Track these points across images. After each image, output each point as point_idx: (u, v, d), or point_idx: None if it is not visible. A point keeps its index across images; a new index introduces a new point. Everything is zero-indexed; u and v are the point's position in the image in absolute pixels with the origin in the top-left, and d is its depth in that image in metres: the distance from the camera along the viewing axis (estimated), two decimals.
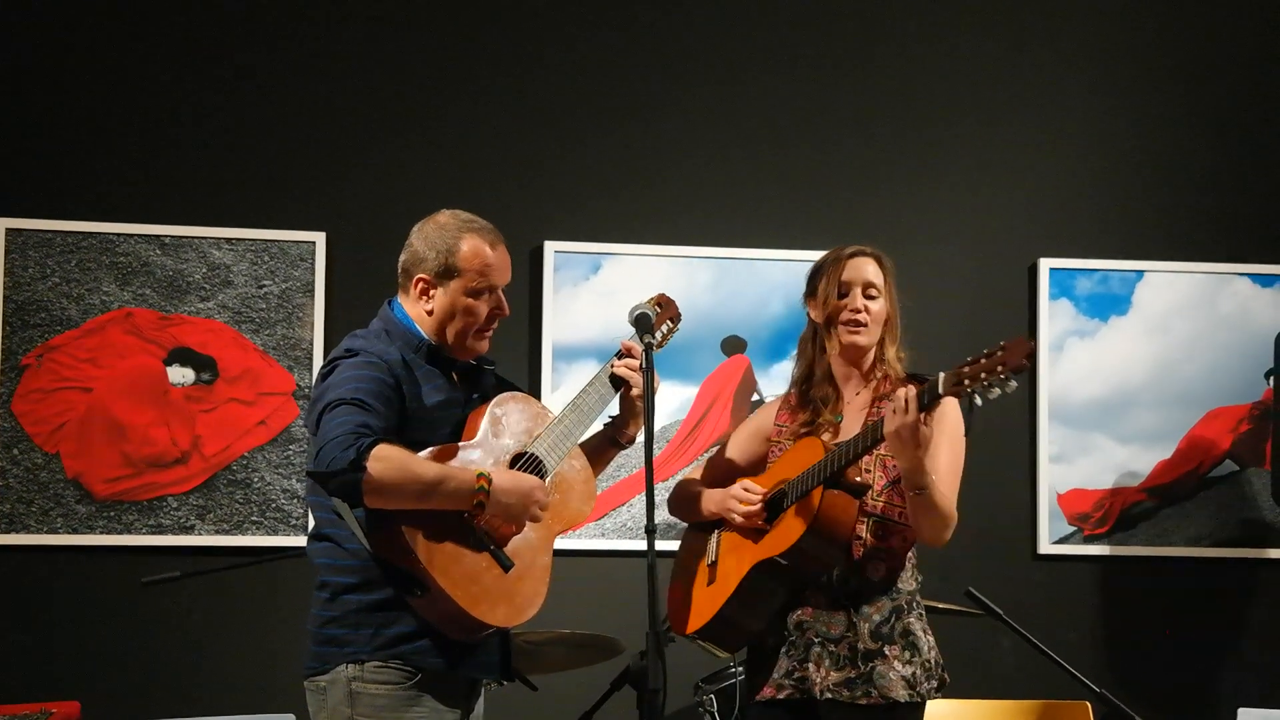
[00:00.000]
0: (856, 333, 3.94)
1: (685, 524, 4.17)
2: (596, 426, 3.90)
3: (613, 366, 3.85)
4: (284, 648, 5.23)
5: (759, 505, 3.87)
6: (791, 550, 3.76)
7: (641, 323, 3.83)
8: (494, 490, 3.47)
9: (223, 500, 5.46)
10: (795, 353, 4.09)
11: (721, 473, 4.12)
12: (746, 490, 3.90)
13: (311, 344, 5.49)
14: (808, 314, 4.05)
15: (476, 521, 3.49)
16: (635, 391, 3.84)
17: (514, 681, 3.89)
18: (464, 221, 3.70)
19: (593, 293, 5.64)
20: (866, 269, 3.96)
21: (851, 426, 3.94)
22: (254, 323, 5.53)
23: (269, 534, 5.45)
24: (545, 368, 5.61)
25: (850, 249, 4.00)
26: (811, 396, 3.99)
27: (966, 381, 3.59)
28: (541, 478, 3.63)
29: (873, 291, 3.96)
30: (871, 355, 3.99)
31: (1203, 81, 6.12)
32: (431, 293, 3.66)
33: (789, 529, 3.79)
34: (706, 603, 3.90)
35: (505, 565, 3.51)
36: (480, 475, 3.46)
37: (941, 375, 3.64)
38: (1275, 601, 5.94)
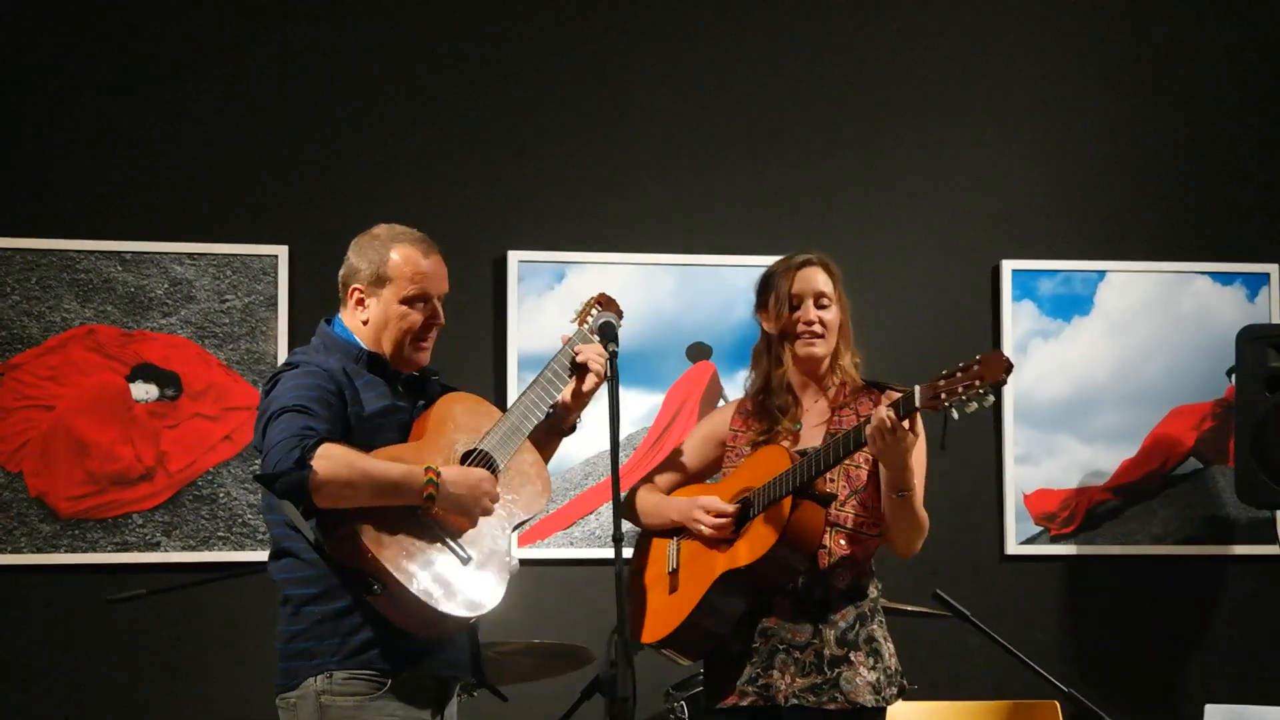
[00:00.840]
0: (813, 344, 3.97)
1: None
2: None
3: (575, 355, 3.88)
4: (254, 664, 5.23)
5: (729, 520, 3.89)
6: (761, 560, 3.79)
7: (605, 331, 3.87)
8: (443, 483, 3.50)
9: (188, 516, 5.46)
10: (751, 362, 4.12)
11: (675, 477, 4.14)
12: (711, 501, 3.92)
13: (276, 358, 5.47)
14: (760, 325, 4.08)
15: (429, 514, 3.52)
16: (588, 385, 3.87)
17: (485, 685, 3.89)
18: (398, 232, 3.75)
19: (557, 302, 5.65)
20: (816, 279, 3.99)
21: (811, 434, 3.98)
22: (217, 338, 5.53)
23: (236, 549, 5.45)
24: (510, 377, 5.61)
25: (798, 258, 4.03)
26: (769, 406, 4.02)
27: (943, 395, 3.63)
28: (493, 472, 3.66)
29: (824, 301, 3.98)
30: (827, 363, 4.03)
31: (1160, 82, 6.17)
32: (366, 302, 3.70)
33: (759, 538, 3.81)
34: (670, 612, 3.92)
35: (462, 558, 3.54)
36: (428, 469, 3.49)
37: (917, 388, 3.66)
38: (1240, 598, 5.98)
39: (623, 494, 3.99)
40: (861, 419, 3.88)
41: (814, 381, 4.03)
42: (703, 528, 3.90)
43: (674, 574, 3.97)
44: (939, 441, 3.80)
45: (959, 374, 3.63)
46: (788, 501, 3.79)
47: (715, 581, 3.85)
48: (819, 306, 3.98)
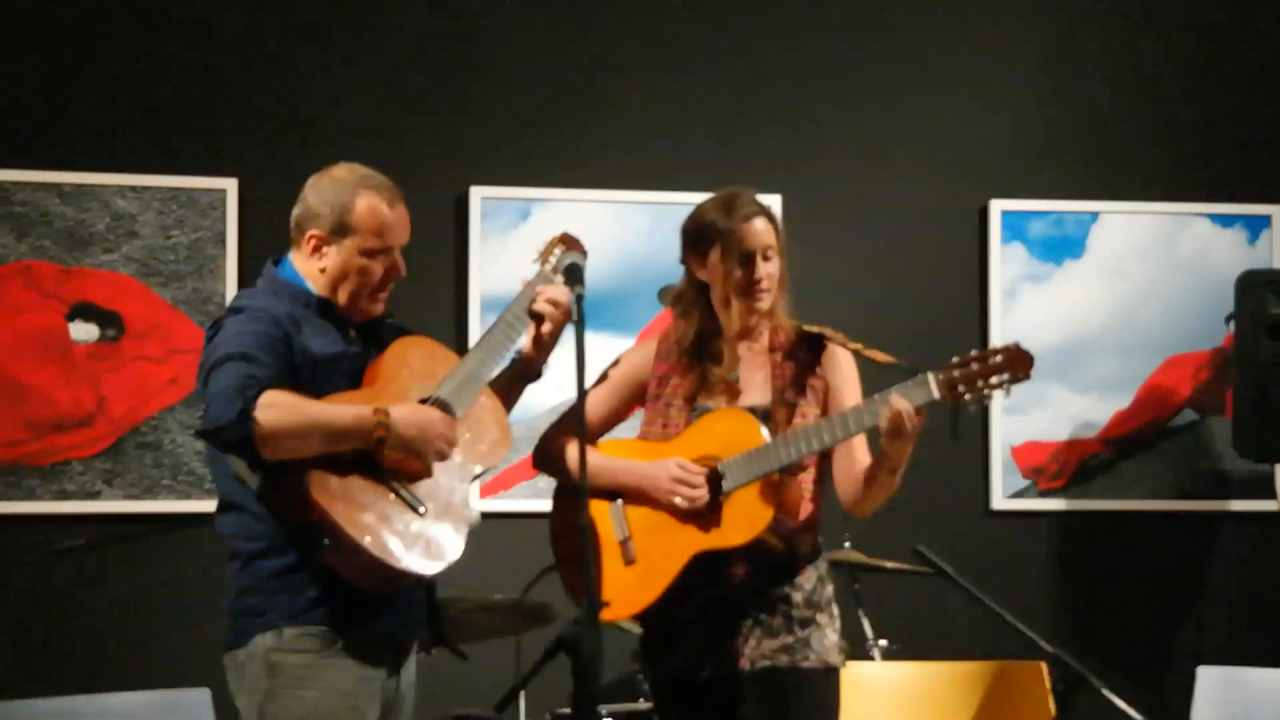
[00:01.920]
0: (761, 299, 3.94)
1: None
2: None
3: (533, 301, 3.87)
4: (201, 618, 5.22)
5: (705, 491, 3.86)
6: (754, 539, 3.79)
7: (572, 273, 3.84)
8: (393, 424, 3.48)
9: (132, 464, 5.46)
10: (674, 309, 4.05)
11: (590, 423, 4.01)
12: (685, 469, 3.87)
13: (224, 297, 5.46)
14: (688, 270, 4.01)
15: (381, 462, 3.53)
16: (547, 330, 3.85)
17: (443, 643, 3.89)
18: (361, 177, 3.70)
19: (522, 241, 5.62)
20: (762, 232, 3.94)
21: (753, 386, 3.95)
22: (162, 275, 5.51)
23: (182, 499, 5.46)
24: (472, 321, 5.61)
25: (741, 209, 3.95)
26: (703, 353, 3.98)
27: (962, 388, 3.65)
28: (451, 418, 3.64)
29: (770, 254, 3.95)
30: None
31: (1158, 11, 6.16)
32: (324, 250, 3.67)
33: (750, 517, 3.80)
34: (636, 586, 3.86)
35: (416, 507, 3.55)
36: (377, 409, 3.49)
37: (931, 377, 3.66)
38: (1237, 556, 6.03)
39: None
40: (809, 374, 3.91)
41: (747, 330, 4.00)
42: (679, 500, 3.87)
43: (625, 543, 3.91)
44: (951, 431, 3.79)
45: (974, 364, 3.64)
46: (774, 479, 3.79)
47: (695, 557, 3.84)
48: (766, 259, 3.95)
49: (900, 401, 3.67)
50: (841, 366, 3.95)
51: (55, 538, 5.12)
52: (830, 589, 3.96)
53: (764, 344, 4.00)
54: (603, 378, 4.12)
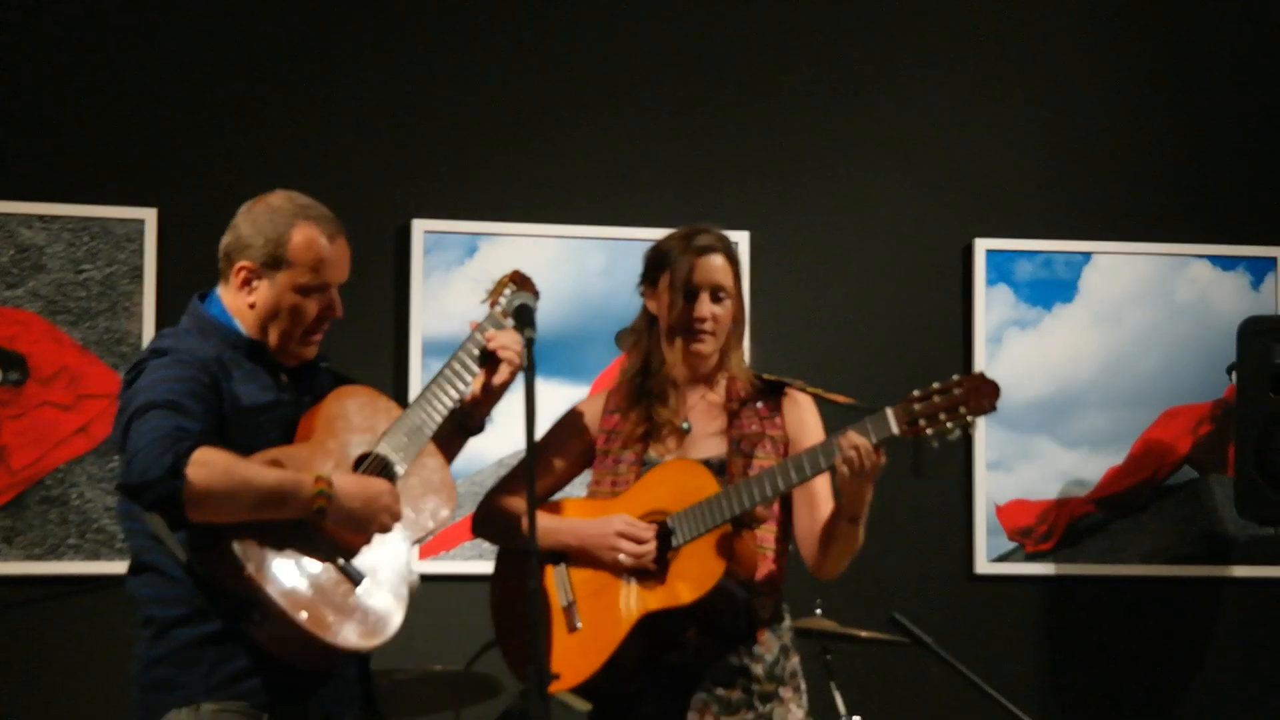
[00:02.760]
0: (702, 341, 3.97)
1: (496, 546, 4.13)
2: None
3: (486, 342, 3.84)
4: (107, 692, 5.17)
5: (653, 546, 3.85)
6: (705, 597, 3.77)
7: (522, 315, 3.82)
8: (336, 495, 3.46)
9: (34, 521, 5.41)
10: (626, 343, 4.10)
11: (539, 486, 4.05)
12: (630, 525, 3.87)
13: (141, 338, 5.45)
14: (644, 305, 4.05)
15: (318, 529, 3.46)
16: (501, 377, 3.84)
17: None
18: (300, 206, 3.67)
19: (468, 278, 5.62)
20: (715, 270, 3.97)
21: (706, 438, 3.97)
22: (71, 313, 5.47)
23: (89, 559, 5.41)
24: (413, 363, 5.59)
25: (699, 240, 3.99)
26: (648, 390, 4.00)
27: (923, 422, 3.66)
28: (390, 480, 3.60)
29: (722, 295, 3.97)
30: (715, 359, 4.02)
31: (1156, 42, 6.20)
32: (255, 284, 3.64)
33: (700, 573, 3.79)
34: (580, 653, 3.86)
35: (355, 579, 3.50)
36: (319, 478, 3.44)
37: (889, 412, 3.68)
38: (1239, 624, 6.04)
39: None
40: (768, 423, 3.93)
41: (700, 377, 4.04)
42: (623, 557, 3.85)
43: (569, 608, 3.91)
44: (911, 468, 3.80)
45: (936, 396, 3.66)
46: (727, 530, 3.78)
47: (641, 619, 3.82)
48: (715, 300, 3.96)
49: (855, 436, 3.68)
50: (803, 415, 3.99)
51: None
52: (795, 660, 3.96)
53: (720, 394, 4.02)
54: (548, 437, 4.13)
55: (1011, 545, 5.92)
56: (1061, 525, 5.95)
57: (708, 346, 3.96)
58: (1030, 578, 5.94)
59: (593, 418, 4.09)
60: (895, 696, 5.68)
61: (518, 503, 4.01)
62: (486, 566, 5.55)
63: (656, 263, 4.02)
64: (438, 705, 4.88)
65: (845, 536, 3.80)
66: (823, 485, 3.87)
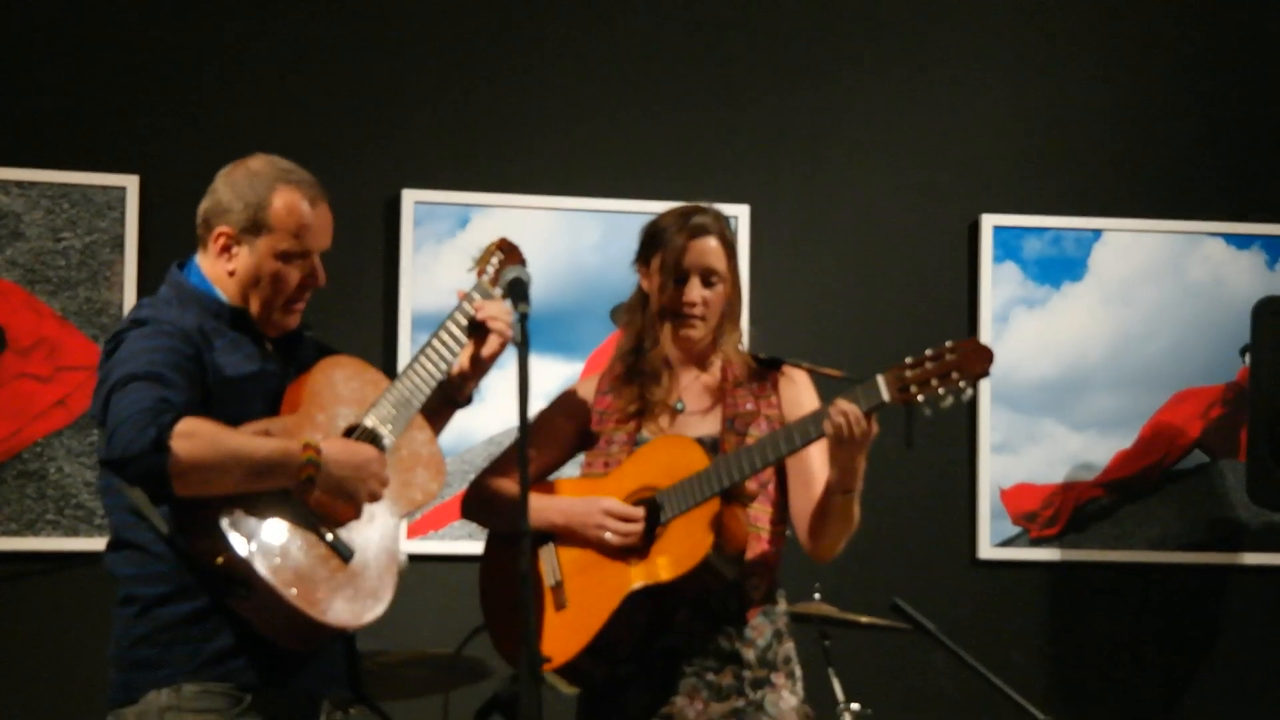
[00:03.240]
0: (692, 326, 3.98)
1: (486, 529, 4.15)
2: None
3: (474, 312, 3.85)
4: (86, 671, 5.17)
5: (640, 526, 3.87)
6: (689, 574, 3.78)
7: (516, 289, 3.82)
8: (324, 462, 3.46)
9: (11, 495, 5.43)
10: (620, 320, 4.13)
11: (531, 467, 4.03)
12: (619, 505, 3.89)
13: (121, 308, 5.45)
14: (639, 282, 4.07)
15: (307, 501, 3.48)
16: (490, 349, 3.85)
17: (364, 701, 3.87)
18: (281, 170, 3.67)
19: (459, 250, 5.60)
20: (708, 252, 3.98)
21: (700, 417, 3.99)
22: (51, 283, 5.48)
23: (68, 535, 5.43)
24: (402, 337, 5.60)
25: (692, 220, 4.00)
26: (641, 370, 4.02)
27: (914, 389, 3.66)
28: (382, 454, 3.62)
29: (714, 279, 3.98)
30: (706, 341, 4.04)
31: (1167, 10, 6.19)
32: (234, 250, 3.64)
33: (684, 549, 3.80)
34: (566, 633, 3.88)
35: (344, 554, 3.51)
36: (307, 445, 3.45)
37: (880, 379, 3.68)
38: (1249, 612, 6.05)
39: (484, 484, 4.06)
40: (764, 402, 3.95)
41: (693, 358, 4.05)
42: (609, 535, 3.88)
43: (558, 587, 3.93)
44: (905, 438, 3.80)
45: (928, 362, 3.66)
46: (715, 504, 3.79)
47: (626, 598, 3.84)
48: (706, 285, 3.98)
49: (844, 403, 3.68)
50: (799, 393, 4.00)
51: None
52: (790, 645, 3.97)
53: (715, 375, 4.05)
54: (540, 419, 4.15)
55: (1016, 530, 5.93)
56: (1067, 510, 5.96)
57: (697, 332, 3.98)
58: (1035, 564, 5.95)
59: (585, 399, 4.11)
60: (896, 684, 5.69)
61: (508, 484, 4.02)
62: (476, 547, 5.56)
63: (651, 240, 4.04)
64: (427, 688, 4.88)
65: (840, 512, 3.80)
66: (819, 463, 3.87)
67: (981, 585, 5.93)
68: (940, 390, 3.64)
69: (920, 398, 3.65)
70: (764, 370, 4.02)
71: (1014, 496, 5.94)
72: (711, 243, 3.98)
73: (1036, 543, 5.95)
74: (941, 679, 5.72)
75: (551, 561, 3.97)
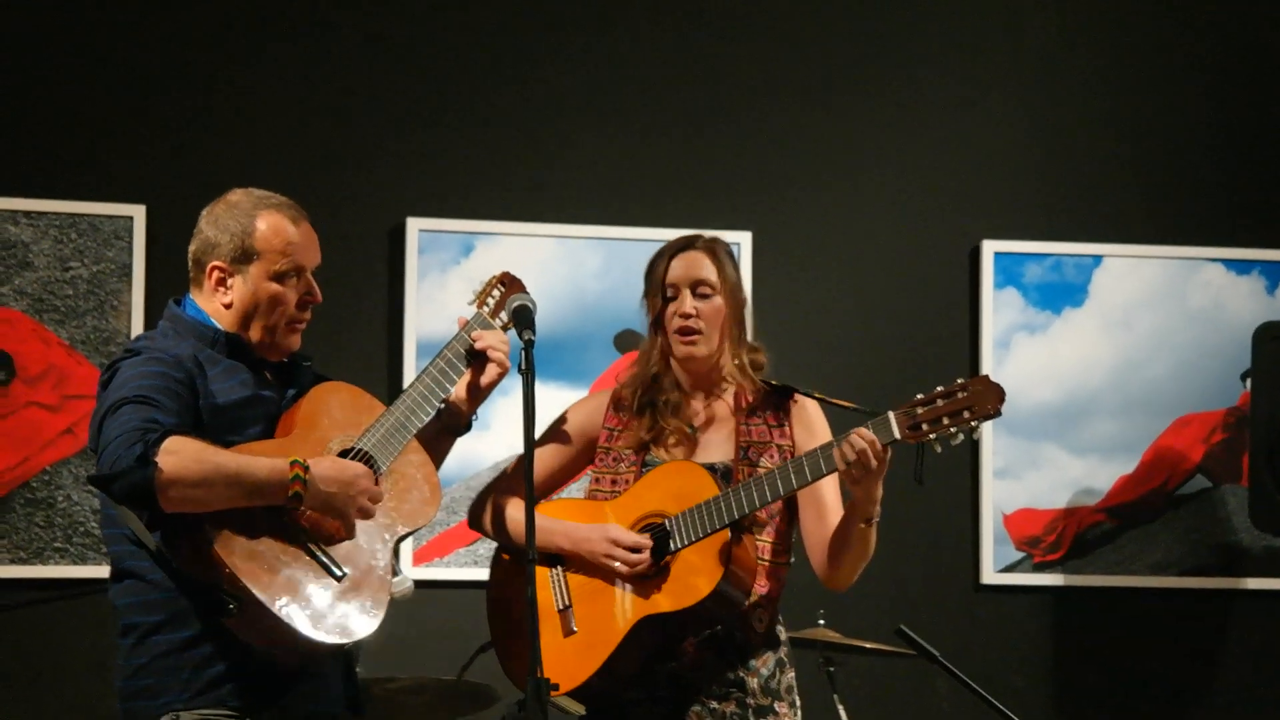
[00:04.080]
0: (692, 343, 3.96)
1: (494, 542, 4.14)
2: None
3: (473, 341, 3.87)
4: (93, 700, 5.19)
5: (648, 556, 3.86)
6: (699, 604, 3.78)
7: (521, 317, 3.85)
8: (312, 478, 3.47)
9: (19, 524, 5.43)
10: (636, 358, 4.11)
11: (536, 483, 4.03)
12: (626, 534, 3.88)
13: (129, 337, 5.44)
14: (647, 314, 4.08)
15: (296, 520, 3.50)
16: (488, 377, 3.87)
17: None
18: (259, 198, 3.72)
19: (463, 278, 5.62)
20: (697, 264, 3.98)
21: (714, 443, 3.99)
22: (58, 312, 5.49)
23: (76, 563, 5.43)
24: (407, 364, 5.60)
25: (679, 240, 4.03)
26: (655, 400, 4.02)
27: (926, 427, 3.66)
28: (374, 473, 3.64)
29: (705, 290, 3.97)
30: (712, 362, 4.02)
31: (1168, 37, 6.20)
32: (229, 282, 3.67)
33: (694, 579, 3.80)
34: (574, 658, 3.88)
35: (335, 573, 3.52)
36: (295, 463, 3.47)
37: (892, 415, 3.68)
38: (1251, 638, 6.03)
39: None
40: (776, 431, 3.95)
41: (704, 383, 4.04)
42: (618, 565, 3.88)
43: (565, 612, 3.93)
44: (915, 475, 3.80)
45: (940, 401, 3.67)
46: (725, 535, 3.79)
47: (635, 626, 3.84)
48: (699, 296, 3.97)
49: (864, 431, 3.68)
50: (810, 422, 3.99)
51: None
52: (791, 675, 3.97)
53: (728, 402, 4.03)
54: (549, 432, 4.14)
55: (1019, 555, 5.93)
56: (1070, 535, 5.96)
57: (698, 348, 3.97)
58: (1038, 588, 5.94)
59: (595, 413, 4.10)
60: (900, 709, 5.69)
61: (515, 504, 4.02)
62: (480, 573, 5.59)
63: (649, 272, 4.05)
64: (431, 714, 4.87)
65: (860, 541, 3.79)
66: (830, 493, 3.87)
67: (985, 610, 5.92)
68: (951, 429, 3.65)
69: (932, 435, 3.66)
70: (777, 398, 4.01)
71: (1017, 522, 5.94)
72: (697, 255, 3.99)
73: (1039, 568, 5.95)
74: (945, 704, 5.72)
75: (560, 585, 3.97)
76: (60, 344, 5.49)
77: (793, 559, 3.98)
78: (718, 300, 3.98)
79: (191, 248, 3.72)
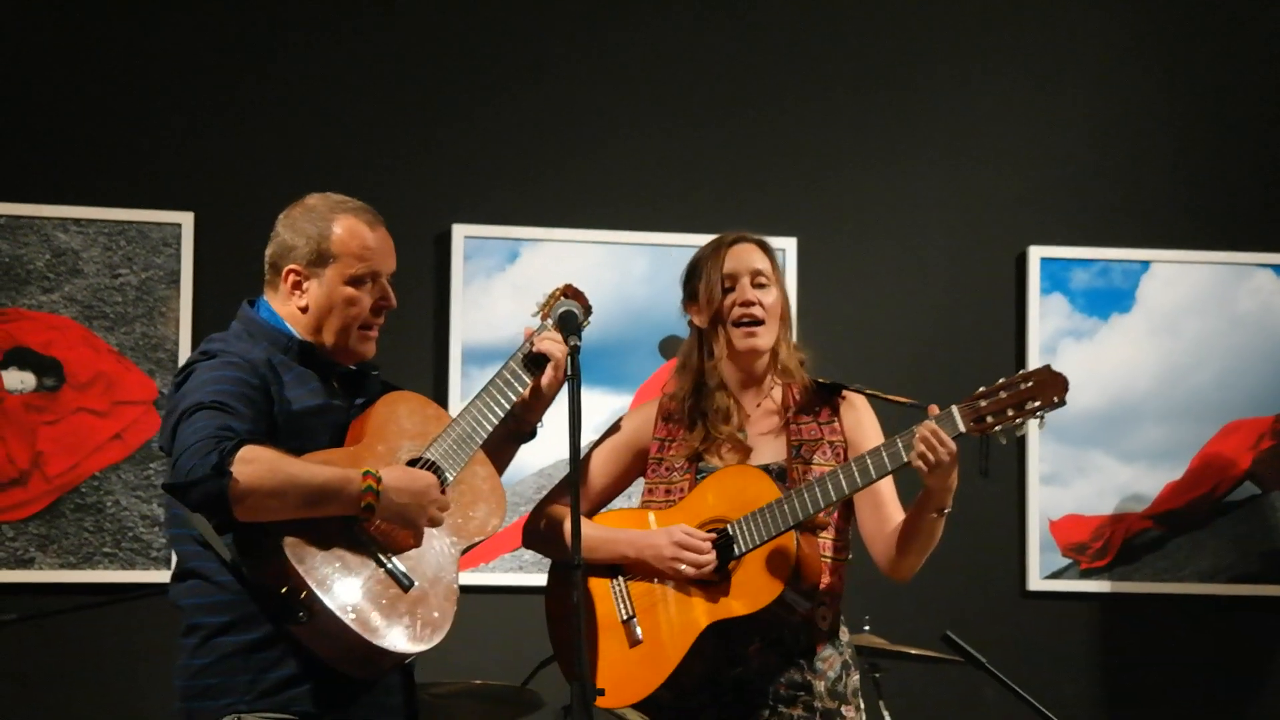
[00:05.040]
0: (754, 334, 3.95)
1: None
2: None
3: (532, 346, 3.88)
4: (145, 702, 5.22)
5: (712, 556, 3.86)
6: (768, 608, 3.77)
7: (566, 322, 3.86)
8: (384, 489, 3.49)
9: (69, 529, 5.44)
10: (677, 365, 4.10)
11: (587, 494, 4.07)
12: (689, 535, 3.87)
13: (177, 344, 5.48)
14: (689, 323, 4.07)
15: (367, 529, 3.51)
16: (548, 379, 3.87)
17: None
18: (336, 202, 3.73)
19: (509, 284, 5.64)
20: (751, 256, 3.99)
21: (765, 445, 3.98)
22: (108, 319, 5.51)
23: (125, 568, 5.44)
24: (453, 371, 5.61)
25: (729, 236, 4.03)
26: (704, 410, 4.00)
27: (990, 419, 3.64)
28: (442, 483, 3.65)
29: (762, 280, 3.97)
30: (768, 358, 4.02)
31: (1217, 40, 6.18)
32: (305, 285, 3.69)
33: (761, 581, 3.80)
34: (642, 669, 3.87)
35: (404, 582, 3.53)
36: (368, 474, 3.49)
37: (955, 409, 3.68)
38: None
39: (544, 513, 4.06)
40: (827, 428, 3.94)
41: (753, 382, 4.03)
42: (684, 567, 3.87)
43: (629, 622, 3.92)
44: (980, 468, 3.79)
45: (1003, 391, 3.64)
46: (791, 537, 3.79)
47: (704, 632, 3.83)
48: (756, 286, 3.97)
49: (926, 428, 3.67)
50: (860, 418, 3.98)
51: None
52: (856, 677, 3.96)
53: (776, 401, 4.02)
54: (599, 444, 4.14)
55: (1066, 562, 5.91)
56: (1117, 541, 5.94)
57: (761, 339, 3.96)
58: (1085, 595, 5.92)
59: (644, 425, 4.09)
60: (947, 716, 5.67)
61: (561, 516, 4.02)
62: (526, 579, 5.63)
63: (692, 271, 4.05)
64: None
65: (930, 531, 3.79)
66: (887, 486, 3.86)
67: (1032, 617, 5.90)
68: (1016, 420, 3.63)
69: (997, 428, 3.64)
70: (825, 395, 4.00)
71: (1063, 528, 5.92)
72: (750, 246, 4.00)
73: (1086, 574, 5.93)
74: (992, 711, 5.70)
75: (622, 596, 3.96)
76: (109, 350, 5.51)
77: (851, 555, 3.98)
78: (774, 291, 3.99)
79: (268, 251, 3.73)
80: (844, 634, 3.97)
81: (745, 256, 3.99)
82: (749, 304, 3.95)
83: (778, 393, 4.03)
